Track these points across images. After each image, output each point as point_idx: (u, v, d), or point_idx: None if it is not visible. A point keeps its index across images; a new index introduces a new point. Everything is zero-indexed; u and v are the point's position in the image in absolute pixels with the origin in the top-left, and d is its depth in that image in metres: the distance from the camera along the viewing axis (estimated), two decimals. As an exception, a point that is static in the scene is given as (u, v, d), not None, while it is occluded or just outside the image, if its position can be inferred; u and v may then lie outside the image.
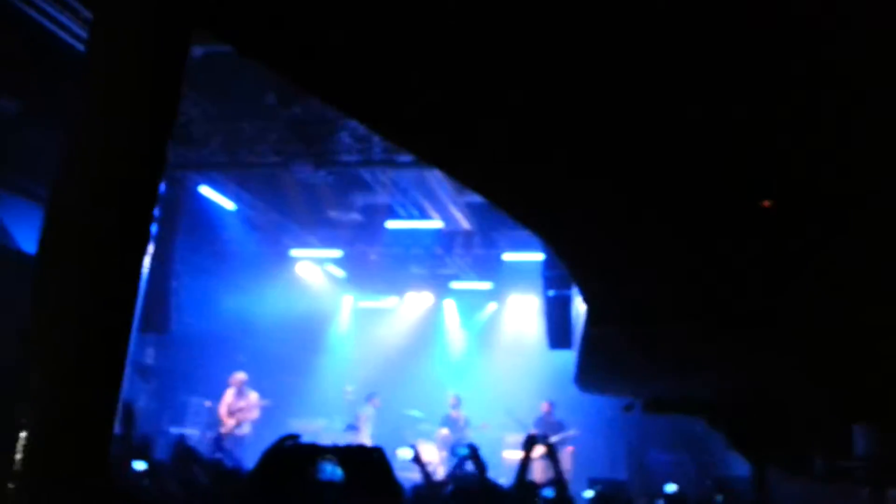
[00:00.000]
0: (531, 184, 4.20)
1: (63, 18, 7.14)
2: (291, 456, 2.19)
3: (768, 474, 8.09)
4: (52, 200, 2.05)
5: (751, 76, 3.08)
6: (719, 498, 7.68)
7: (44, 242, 2.06)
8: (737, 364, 6.42)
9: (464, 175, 4.60)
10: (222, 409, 11.67)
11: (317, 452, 2.15)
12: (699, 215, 4.22)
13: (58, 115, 7.91)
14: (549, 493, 5.78)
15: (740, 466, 9.36)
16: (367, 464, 2.15)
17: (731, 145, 3.43)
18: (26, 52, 7.69)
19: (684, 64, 2.97)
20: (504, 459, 12.29)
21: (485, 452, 5.19)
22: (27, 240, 8.51)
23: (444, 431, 13.03)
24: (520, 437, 12.37)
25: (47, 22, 7.14)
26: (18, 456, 2.12)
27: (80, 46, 7.31)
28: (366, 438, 12.88)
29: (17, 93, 8.38)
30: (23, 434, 2.11)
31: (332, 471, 2.14)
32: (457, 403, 13.40)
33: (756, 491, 8.42)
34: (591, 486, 9.17)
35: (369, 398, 13.47)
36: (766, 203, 3.80)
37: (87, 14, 7.02)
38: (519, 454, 12.00)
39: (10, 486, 2.07)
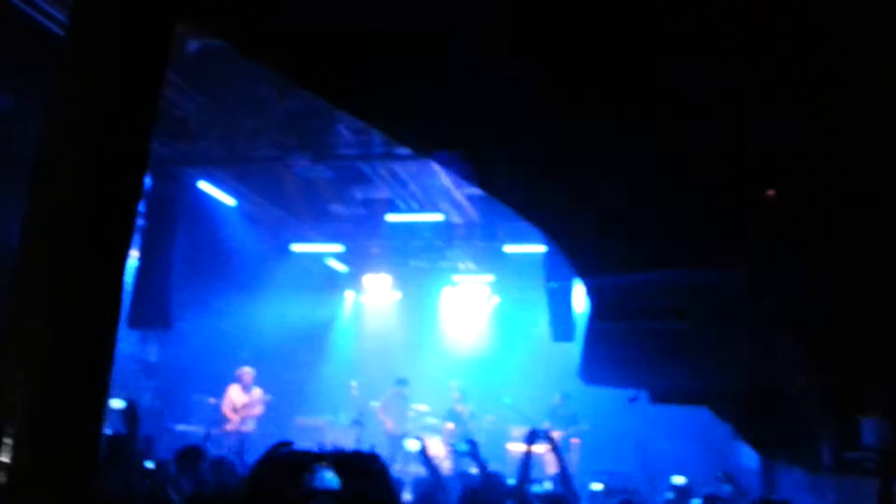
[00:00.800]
0: (532, 177, 4.12)
1: (56, 13, 7.06)
2: (286, 463, 2.12)
3: (776, 465, 8.02)
4: (31, 191, 1.98)
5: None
6: (727, 489, 7.63)
7: (24, 235, 1.99)
8: (743, 356, 6.35)
9: (469, 170, 4.52)
10: (226, 406, 11.63)
11: (312, 459, 2.08)
12: (703, 206, 4.14)
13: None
14: (554, 486, 5.73)
15: (748, 458, 9.29)
16: (365, 472, 2.08)
17: (735, 131, 3.34)
18: (20, 48, 7.62)
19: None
20: (508, 452, 12.25)
21: (489, 446, 5.12)
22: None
23: (450, 425, 12.99)
24: (524, 430, 12.39)
25: (40, 17, 7.06)
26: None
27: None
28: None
29: (12, 89, 8.32)
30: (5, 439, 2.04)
31: (329, 478, 2.08)
32: (460, 397, 13.36)
33: (764, 482, 8.36)
34: (597, 479, 9.12)
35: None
36: (770, 192, 3.71)
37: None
38: (522, 447, 12.03)
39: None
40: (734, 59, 2.98)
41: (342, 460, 2.11)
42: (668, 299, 5.51)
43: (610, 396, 11.58)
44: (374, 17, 2.72)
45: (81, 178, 2.00)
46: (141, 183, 2.12)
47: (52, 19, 7.13)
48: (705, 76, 3.01)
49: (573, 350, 10.88)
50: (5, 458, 2.04)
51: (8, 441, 2.05)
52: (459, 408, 13.22)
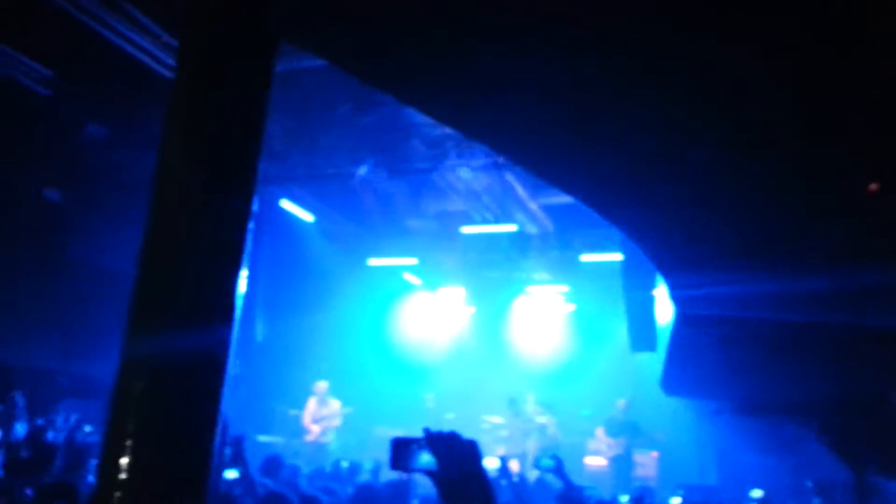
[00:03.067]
0: (620, 179, 4.09)
1: (145, 43, 7.40)
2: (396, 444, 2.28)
3: (868, 478, 7.68)
4: (148, 222, 2.09)
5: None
6: (817, 501, 7.36)
7: (143, 262, 2.09)
8: (832, 366, 6.13)
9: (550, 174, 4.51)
10: (306, 417, 11.88)
11: (411, 442, 2.21)
12: (798, 206, 4.02)
13: (143, 137, 8.24)
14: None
15: (836, 470, 8.92)
16: (457, 454, 2.16)
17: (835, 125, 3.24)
18: (112, 79, 8.02)
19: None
20: (586, 466, 12.08)
21: (566, 459, 5.06)
22: (118, 258, 8.85)
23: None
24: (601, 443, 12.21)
25: (130, 47, 7.40)
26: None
27: (161, 70, 7.57)
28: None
29: (105, 118, 8.75)
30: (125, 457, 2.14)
31: (425, 459, 2.18)
32: (538, 410, 13.20)
33: (857, 495, 8.02)
34: (676, 492, 8.89)
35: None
36: (874, 187, 3.56)
37: (169, 38, 7.26)
38: (600, 461, 11.83)
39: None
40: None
41: (437, 442, 2.19)
42: (756, 308, 5.37)
43: (692, 407, 11.37)
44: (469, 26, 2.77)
45: (194, 200, 2.11)
46: (250, 205, 2.20)
47: (138, 46, 7.47)
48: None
49: (653, 361, 10.71)
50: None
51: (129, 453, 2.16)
52: (542, 420, 13.06)
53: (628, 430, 11.98)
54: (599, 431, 12.23)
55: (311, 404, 11.93)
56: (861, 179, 3.55)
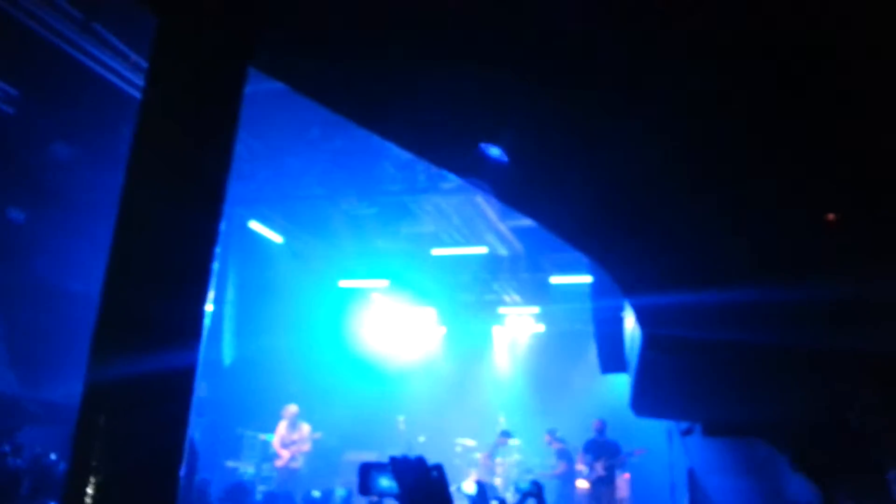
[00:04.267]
0: (584, 204, 4.13)
1: (113, 63, 7.35)
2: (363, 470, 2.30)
3: (838, 499, 7.76)
4: (114, 243, 2.07)
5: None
6: (789, 525, 7.40)
7: (108, 283, 2.07)
8: (799, 387, 6.20)
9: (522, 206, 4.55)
10: (276, 443, 11.72)
11: (376, 467, 2.22)
12: (765, 234, 4.09)
13: (110, 157, 8.16)
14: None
15: (809, 494, 9.00)
16: (421, 478, 2.17)
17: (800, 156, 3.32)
18: (79, 98, 7.95)
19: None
20: (576, 490, 12.02)
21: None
22: (84, 280, 8.70)
23: (498, 461, 12.84)
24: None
25: (97, 66, 7.35)
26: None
27: (129, 89, 7.52)
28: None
29: (72, 137, 8.65)
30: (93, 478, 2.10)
31: (386, 484, 2.19)
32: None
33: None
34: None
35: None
36: (831, 216, 3.65)
37: (137, 58, 7.23)
38: (583, 484, 11.71)
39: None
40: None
41: (402, 467, 2.20)
42: (724, 331, 5.43)
43: (661, 428, 11.42)
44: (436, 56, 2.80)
45: (161, 221, 2.09)
46: (218, 226, 2.19)
47: (105, 66, 7.42)
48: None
49: (622, 382, 10.75)
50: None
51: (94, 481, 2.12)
52: (513, 442, 13.03)
53: (606, 452, 11.89)
54: (580, 456, 12.10)
55: (282, 428, 11.77)
56: (822, 205, 3.63)
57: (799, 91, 2.93)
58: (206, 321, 10.52)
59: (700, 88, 2.94)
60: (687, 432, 9.13)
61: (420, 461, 2.19)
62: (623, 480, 12.14)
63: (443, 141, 3.51)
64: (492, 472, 12.40)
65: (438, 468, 2.19)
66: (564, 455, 12.22)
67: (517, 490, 4.90)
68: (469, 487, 5.28)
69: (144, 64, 7.29)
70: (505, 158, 3.49)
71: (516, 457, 13.11)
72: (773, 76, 2.86)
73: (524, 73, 2.89)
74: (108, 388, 2.05)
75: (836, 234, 3.87)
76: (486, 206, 10.71)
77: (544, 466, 12.59)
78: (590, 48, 2.74)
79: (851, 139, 3.21)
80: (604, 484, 11.59)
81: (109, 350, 2.09)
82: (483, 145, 3.39)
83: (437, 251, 12.50)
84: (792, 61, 2.76)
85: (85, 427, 2.09)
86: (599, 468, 11.62)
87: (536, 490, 4.62)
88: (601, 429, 12.02)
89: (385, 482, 2.16)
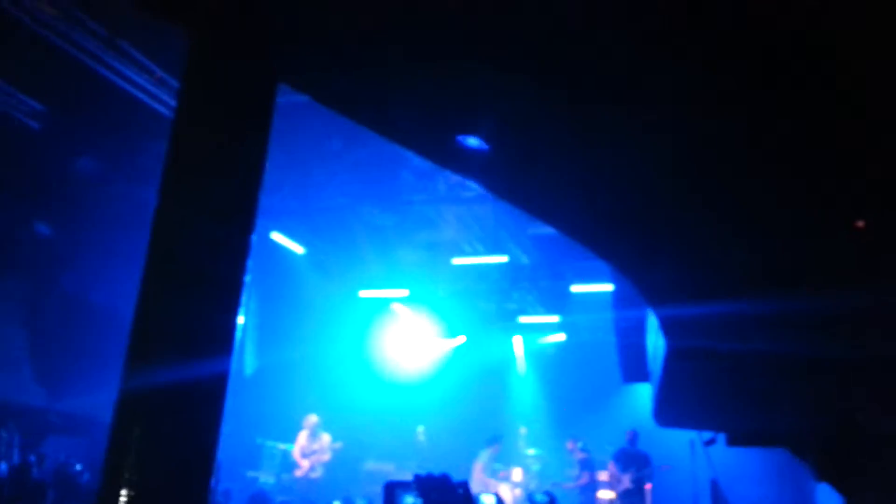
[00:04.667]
0: (607, 211, 4.13)
1: (139, 79, 7.45)
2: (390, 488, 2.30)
3: (864, 505, 7.66)
4: (149, 257, 2.10)
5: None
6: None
7: (143, 296, 2.10)
8: (825, 394, 6.14)
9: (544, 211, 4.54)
10: (296, 452, 11.74)
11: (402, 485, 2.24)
12: (791, 242, 4.06)
13: (135, 171, 8.26)
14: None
15: (833, 499, 8.88)
16: (448, 495, 2.18)
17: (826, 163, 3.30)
18: (105, 113, 8.06)
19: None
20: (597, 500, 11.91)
21: (561, 494, 5.04)
22: (109, 293, 8.81)
23: (518, 471, 12.76)
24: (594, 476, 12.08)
25: (123, 83, 7.46)
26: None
27: (154, 104, 7.62)
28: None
29: (98, 152, 8.77)
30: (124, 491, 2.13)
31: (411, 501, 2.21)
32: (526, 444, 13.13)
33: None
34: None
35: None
36: (861, 224, 3.62)
37: (163, 74, 7.32)
38: (610, 495, 11.59)
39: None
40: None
41: (426, 485, 2.21)
42: (748, 340, 5.39)
43: (681, 439, 11.32)
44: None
45: (195, 234, 2.13)
46: (249, 240, 2.23)
47: (133, 83, 7.53)
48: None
49: (644, 392, 10.68)
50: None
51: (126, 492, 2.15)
52: (530, 451, 12.98)
53: (636, 463, 11.76)
54: (611, 465, 11.94)
55: (302, 438, 11.79)
56: (848, 213, 3.61)
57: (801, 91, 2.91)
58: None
59: (701, 88, 2.94)
60: (710, 442, 9.05)
61: (445, 478, 2.19)
62: (646, 491, 12.00)
63: (444, 141, 3.51)
64: (485, 486, 12.15)
65: (464, 485, 2.19)
66: (587, 465, 12.12)
67: (531, 501, 4.89)
68: (489, 500, 5.24)
69: (169, 79, 7.42)
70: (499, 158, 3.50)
71: (535, 467, 13.03)
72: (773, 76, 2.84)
73: (530, 74, 2.90)
74: (142, 398, 2.09)
75: (861, 240, 3.84)
76: (506, 214, 10.71)
77: (566, 477, 12.49)
78: (590, 49, 2.74)
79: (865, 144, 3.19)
80: (630, 496, 11.45)
81: (144, 360, 2.12)
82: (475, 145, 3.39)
83: (457, 260, 12.50)
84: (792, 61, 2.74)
85: (119, 437, 2.12)
86: (626, 481, 11.47)
87: (550, 501, 4.62)
88: (633, 439, 11.84)
89: (410, 500, 2.16)
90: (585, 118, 3.28)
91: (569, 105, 3.14)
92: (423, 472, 2.21)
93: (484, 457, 12.39)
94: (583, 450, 12.22)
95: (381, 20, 2.45)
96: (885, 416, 6.35)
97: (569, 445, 12.36)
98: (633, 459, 11.61)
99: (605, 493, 11.86)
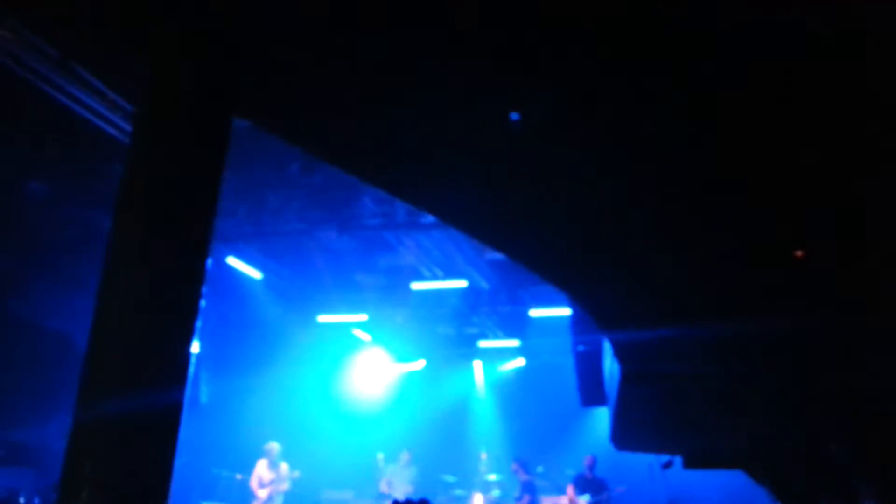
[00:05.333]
0: (557, 242, 4.18)
1: (91, 102, 7.34)
2: None
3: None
4: (102, 283, 2.07)
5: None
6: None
7: (97, 324, 2.06)
8: (781, 418, 6.25)
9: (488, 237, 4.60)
10: (254, 482, 11.51)
11: None
12: (736, 270, 4.16)
13: (85, 195, 8.10)
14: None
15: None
16: None
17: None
18: (54, 136, 7.92)
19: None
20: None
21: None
22: (58, 318, 8.58)
23: (479, 496, 12.72)
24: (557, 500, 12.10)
25: (74, 105, 7.33)
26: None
27: (106, 127, 7.51)
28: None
29: (47, 175, 8.59)
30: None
31: None
32: (487, 469, 13.10)
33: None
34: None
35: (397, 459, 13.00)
36: (799, 253, 3.73)
37: (115, 97, 7.23)
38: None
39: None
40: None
41: None
42: (700, 362, 5.47)
43: (642, 461, 11.41)
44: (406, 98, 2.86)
45: (149, 262, 2.10)
46: (205, 266, 2.20)
47: (84, 105, 7.40)
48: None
49: (604, 415, 10.73)
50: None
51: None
52: (491, 477, 12.95)
53: (593, 488, 11.84)
54: (569, 488, 12.03)
55: (261, 467, 11.57)
56: (789, 239, 3.71)
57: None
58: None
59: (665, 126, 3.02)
60: (667, 465, 9.12)
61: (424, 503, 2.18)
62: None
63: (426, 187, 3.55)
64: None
65: None
66: (529, 488, 12.17)
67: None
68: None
69: (122, 103, 7.33)
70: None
71: (496, 492, 13.00)
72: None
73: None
74: (95, 429, 2.04)
75: (809, 269, 3.94)
76: (465, 240, 10.76)
77: (509, 499, 12.52)
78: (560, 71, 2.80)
79: (824, 180, 3.30)
80: None
81: (97, 389, 2.08)
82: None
83: (416, 285, 12.50)
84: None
85: (72, 470, 2.06)
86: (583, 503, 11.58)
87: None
88: (591, 465, 11.97)
89: None
90: (536, 156, 3.34)
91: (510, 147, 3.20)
92: (401, 498, 2.20)
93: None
94: (528, 472, 12.27)
95: (334, 57, 2.47)
96: (835, 440, 6.48)
97: (513, 467, 12.43)
98: (590, 485, 11.73)
99: None
